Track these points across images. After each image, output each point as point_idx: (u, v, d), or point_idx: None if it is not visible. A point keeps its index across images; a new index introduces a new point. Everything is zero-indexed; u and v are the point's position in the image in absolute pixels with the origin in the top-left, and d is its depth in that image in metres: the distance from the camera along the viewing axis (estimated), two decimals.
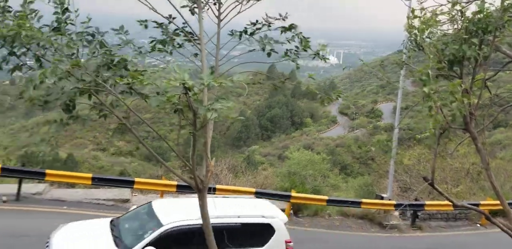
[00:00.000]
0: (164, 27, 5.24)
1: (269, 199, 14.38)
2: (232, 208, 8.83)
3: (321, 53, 5.61)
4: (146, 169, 50.27)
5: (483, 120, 5.88)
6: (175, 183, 13.59)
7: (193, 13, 5.37)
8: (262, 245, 8.50)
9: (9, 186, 13.39)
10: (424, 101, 4.64)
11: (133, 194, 14.36)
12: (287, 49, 5.65)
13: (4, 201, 12.40)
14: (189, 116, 4.23)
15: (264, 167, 27.72)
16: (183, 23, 5.41)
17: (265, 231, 8.54)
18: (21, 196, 12.72)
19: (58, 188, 14.27)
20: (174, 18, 5.26)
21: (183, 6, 5.30)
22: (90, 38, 4.33)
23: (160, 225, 7.91)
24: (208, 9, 5.43)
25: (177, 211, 8.49)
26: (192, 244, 7.91)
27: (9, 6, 4.20)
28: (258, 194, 14.13)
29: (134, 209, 9.34)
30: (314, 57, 5.68)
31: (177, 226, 7.89)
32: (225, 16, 5.38)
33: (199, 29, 5.18)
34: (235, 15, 5.40)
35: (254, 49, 5.61)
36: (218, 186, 13.66)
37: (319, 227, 14.33)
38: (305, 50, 5.61)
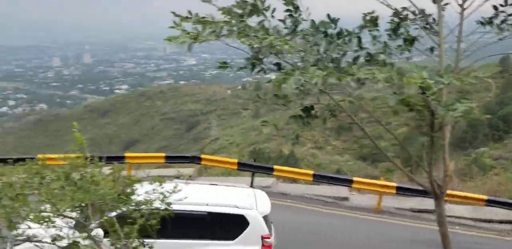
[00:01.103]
0: (399, 18, 4.93)
1: (504, 209, 12.71)
2: (208, 196, 7.78)
3: None
4: (361, 169, 50.31)
5: None
6: (395, 184, 13.20)
7: (435, 1, 4.97)
8: (233, 239, 7.41)
9: (243, 179, 15.25)
10: None
11: (351, 193, 14.54)
12: None
13: None
14: (426, 117, 4.01)
15: (496, 171, 24.37)
16: (417, 13, 4.99)
17: (237, 223, 7.39)
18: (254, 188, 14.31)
19: (283, 182, 15.54)
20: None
21: None
22: (324, 34, 4.48)
23: None
24: None
25: None
26: None
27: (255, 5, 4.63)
28: (490, 202, 12.56)
29: None
30: None
31: None
32: (470, 4, 4.77)
33: (438, 20, 4.78)
34: (483, 3, 4.74)
35: (504, 37, 4.84)
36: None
37: None
38: None
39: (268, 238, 7.63)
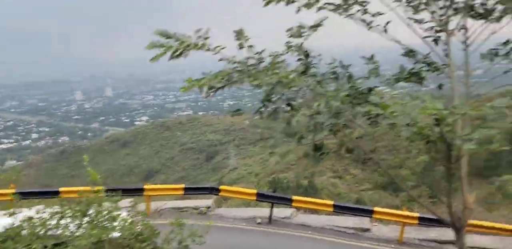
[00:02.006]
0: (412, 55, 5.09)
1: None
2: None
3: None
4: (382, 198, 49.28)
5: None
6: (417, 215, 12.91)
7: (437, 43, 5.17)
8: None
9: (262, 210, 15.14)
10: None
11: (374, 224, 14.23)
12: None
13: (259, 223, 14.04)
14: (441, 148, 4.00)
15: None
16: (426, 55, 5.19)
17: None
18: (273, 219, 14.17)
19: (304, 213, 15.33)
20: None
21: (426, 37, 5.17)
22: (335, 76, 4.66)
23: None
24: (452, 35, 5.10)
25: None
26: None
27: (262, 58, 4.88)
28: None
29: None
30: None
31: None
32: (473, 41, 4.95)
33: (448, 56, 4.91)
34: (487, 38, 4.90)
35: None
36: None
37: None
38: None
39: None
